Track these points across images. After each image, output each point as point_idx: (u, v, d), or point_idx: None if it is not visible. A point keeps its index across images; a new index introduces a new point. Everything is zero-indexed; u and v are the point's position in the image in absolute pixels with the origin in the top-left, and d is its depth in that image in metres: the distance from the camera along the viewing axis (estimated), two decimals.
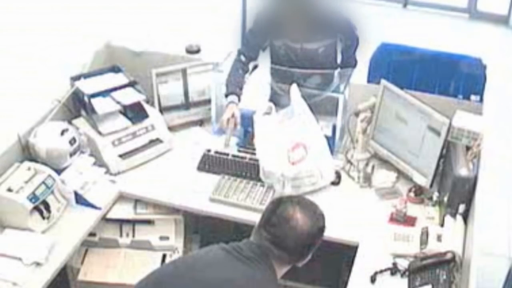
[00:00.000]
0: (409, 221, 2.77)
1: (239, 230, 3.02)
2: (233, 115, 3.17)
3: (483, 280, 2.38)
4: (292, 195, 2.18)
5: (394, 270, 2.54)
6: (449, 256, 2.45)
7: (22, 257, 2.56)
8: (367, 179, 3.00)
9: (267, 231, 2.00)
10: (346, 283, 2.52)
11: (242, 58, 3.31)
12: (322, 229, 2.06)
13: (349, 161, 3.09)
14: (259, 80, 3.37)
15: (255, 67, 3.39)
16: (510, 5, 6.51)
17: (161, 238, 2.99)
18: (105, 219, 2.92)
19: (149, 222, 2.99)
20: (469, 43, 5.56)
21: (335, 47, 3.35)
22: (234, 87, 3.23)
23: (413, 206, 2.85)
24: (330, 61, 3.31)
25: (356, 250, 2.66)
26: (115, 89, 3.10)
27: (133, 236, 3.00)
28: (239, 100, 3.21)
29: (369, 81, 3.22)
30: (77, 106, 3.15)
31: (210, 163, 3.09)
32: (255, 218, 2.75)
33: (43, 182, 2.73)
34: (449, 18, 6.73)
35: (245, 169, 3.04)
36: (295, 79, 3.14)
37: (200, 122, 3.40)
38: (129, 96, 3.10)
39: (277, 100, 3.21)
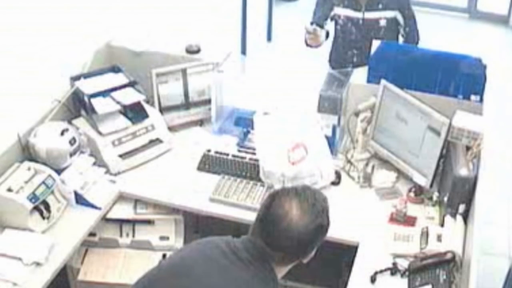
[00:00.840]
0: (409, 221, 2.77)
1: (239, 230, 3.02)
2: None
3: (483, 280, 2.38)
4: (292, 187, 1.94)
5: (394, 270, 2.54)
6: (449, 256, 2.45)
7: (22, 257, 2.56)
8: (367, 179, 3.00)
9: (261, 229, 1.85)
10: (346, 283, 2.52)
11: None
12: (321, 225, 1.86)
13: (349, 161, 3.09)
14: (259, 79, 3.38)
15: (327, 35, 3.70)
16: (510, 5, 6.51)
17: (161, 238, 2.99)
18: (105, 219, 2.92)
19: (149, 222, 2.99)
20: (469, 43, 5.56)
21: (396, 29, 3.58)
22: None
23: (413, 206, 2.85)
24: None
25: (356, 250, 2.66)
26: (115, 89, 3.10)
27: (133, 236, 3.00)
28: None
29: (369, 81, 3.22)
30: (77, 106, 3.15)
31: (210, 163, 3.09)
32: (255, 218, 2.77)
33: (43, 182, 2.73)
34: (449, 18, 6.73)
35: (245, 169, 3.04)
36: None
37: (200, 122, 3.40)
38: (129, 96, 3.10)
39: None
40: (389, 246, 2.65)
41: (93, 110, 3.00)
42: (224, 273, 1.85)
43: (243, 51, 5.80)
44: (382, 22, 3.54)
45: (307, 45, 3.64)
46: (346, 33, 3.65)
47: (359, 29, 3.60)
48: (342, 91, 3.04)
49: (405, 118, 2.92)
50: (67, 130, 2.95)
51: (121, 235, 3.00)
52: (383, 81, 3.00)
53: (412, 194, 2.90)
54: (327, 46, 3.99)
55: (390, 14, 3.56)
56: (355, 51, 3.66)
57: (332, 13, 3.64)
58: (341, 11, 3.59)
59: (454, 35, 6.06)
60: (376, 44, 3.23)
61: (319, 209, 1.85)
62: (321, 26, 3.62)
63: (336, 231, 2.64)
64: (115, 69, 3.23)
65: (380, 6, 3.53)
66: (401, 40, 3.67)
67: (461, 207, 2.64)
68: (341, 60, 3.77)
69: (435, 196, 2.81)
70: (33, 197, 2.67)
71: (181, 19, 6.07)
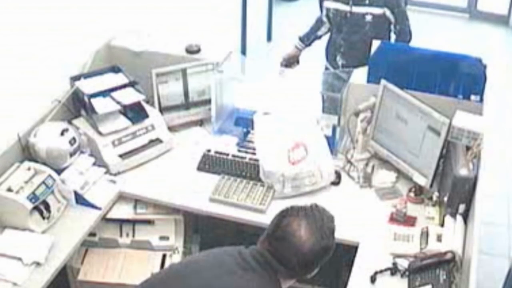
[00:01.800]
0: (409, 221, 2.77)
1: (239, 230, 3.03)
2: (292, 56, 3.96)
3: (483, 280, 2.39)
4: (302, 206, 2.00)
5: (394, 270, 2.54)
6: (449, 256, 2.45)
7: (22, 257, 2.56)
8: (367, 179, 3.00)
9: (270, 244, 1.94)
10: (346, 283, 2.52)
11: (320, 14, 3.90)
12: (327, 247, 1.96)
13: (349, 161, 3.09)
14: (259, 79, 3.38)
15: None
16: (510, 5, 6.51)
17: (161, 238, 2.99)
18: (105, 219, 2.92)
19: (149, 222, 2.99)
20: (469, 43, 5.56)
21: (386, 26, 3.68)
22: (303, 35, 3.99)
23: (413, 206, 2.85)
24: (381, 38, 3.50)
25: (356, 250, 2.66)
26: (115, 89, 3.10)
27: (133, 236, 3.00)
28: (303, 44, 3.99)
29: (369, 81, 3.22)
30: (77, 106, 3.15)
31: (210, 163, 3.09)
32: (255, 218, 2.78)
33: (43, 182, 2.73)
34: (449, 18, 6.73)
35: (245, 169, 3.04)
36: (337, 47, 3.79)
37: (200, 122, 3.40)
38: (129, 96, 3.10)
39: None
40: (389, 246, 2.65)
41: (93, 110, 3.00)
42: (233, 277, 1.90)
43: (243, 51, 5.80)
44: (368, 18, 3.63)
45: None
46: (336, 26, 3.79)
47: (347, 22, 3.71)
48: (343, 90, 3.04)
49: (405, 118, 2.92)
50: (67, 130, 2.95)
51: (121, 235, 3.00)
52: (383, 81, 3.00)
53: (412, 194, 2.90)
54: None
55: (377, 10, 3.63)
56: (343, 42, 3.78)
57: (324, 7, 3.80)
58: (331, 4, 3.73)
59: (454, 35, 6.06)
60: (376, 44, 3.23)
61: (326, 231, 1.95)
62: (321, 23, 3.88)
63: (336, 231, 2.65)
64: (115, 69, 3.24)
65: (367, 1, 3.62)
66: (393, 37, 3.74)
67: (461, 207, 2.64)
68: (332, 52, 3.89)
69: (435, 196, 2.81)
70: (33, 197, 2.67)
71: (181, 19, 6.06)
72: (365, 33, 3.65)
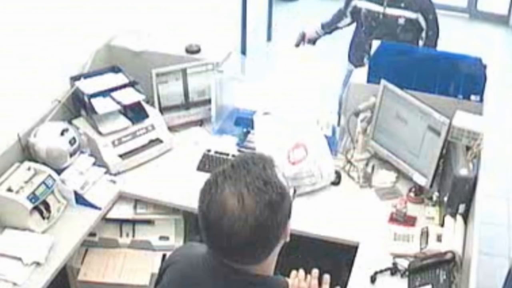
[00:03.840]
0: (409, 221, 2.77)
1: None
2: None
3: (483, 280, 2.38)
4: (221, 170, 1.49)
5: (394, 270, 2.54)
6: (449, 256, 2.45)
7: (22, 257, 2.56)
8: (367, 179, 3.00)
9: (210, 240, 1.50)
10: (346, 283, 2.52)
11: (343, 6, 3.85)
12: (270, 202, 1.43)
13: (349, 161, 3.09)
14: (259, 79, 3.38)
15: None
16: (510, 5, 6.51)
17: (161, 238, 2.99)
18: (105, 219, 2.92)
19: (149, 222, 2.99)
20: (469, 43, 5.56)
21: (415, 31, 3.64)
22: (325, 23, 3.93)
23: (413, 206, 2.85)
24: (410, 42, 3.53)
25: (356, 250, 2.66)
26: (115, 89, 3.10)
27: (133, 236, 3.00)
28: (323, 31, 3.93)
29: (369, 81, 3.22)
30: (77, 106, 3.15)
31: (210, 163, 3.09)
32: None
33: (43, 182, 2.73)
34: (449, 18, 6.73)
35: None
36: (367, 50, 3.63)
37: (200, 122, 3.40)
38: (129, 96, 3.10)
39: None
40: (389, 246, 2.65)
41: (93, 110, 3.00)
42: None
43: (243, 51, 5.80)
44: (401, 21, 3.60)
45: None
46: (366, 27, 3.73)
47: (379, 24, 3.67)
48: (343, 90, 3.05)
49: (405, 118, 2.92)
50: (67, 130, 2.95)
51: (121, 235, 3.00)
52: (383, 81, 3.00)
53: (412, 194, 2.90)
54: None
55: (411, 15, 3.60)
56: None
57: (353, 4, 3.74)
58: (363, 4, 3.68)
59: (454, 35, 6.06)
60: (376, 44, 3.23)
61: (258, 185, 1.44)
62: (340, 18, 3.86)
63: (336, 231, 2.67)
64: (115, 69, 3.24)
65: (402, 4, 3.59)
66: (420, 43, 3.70)
67: (461, 207, 2.64)
68: (360, 54, 3.83)
69: (435, 196, 2.81)
70: (33, 197, 2.67)
71: (181, 19, 6.06)
72: (395, 36, 3.62)
